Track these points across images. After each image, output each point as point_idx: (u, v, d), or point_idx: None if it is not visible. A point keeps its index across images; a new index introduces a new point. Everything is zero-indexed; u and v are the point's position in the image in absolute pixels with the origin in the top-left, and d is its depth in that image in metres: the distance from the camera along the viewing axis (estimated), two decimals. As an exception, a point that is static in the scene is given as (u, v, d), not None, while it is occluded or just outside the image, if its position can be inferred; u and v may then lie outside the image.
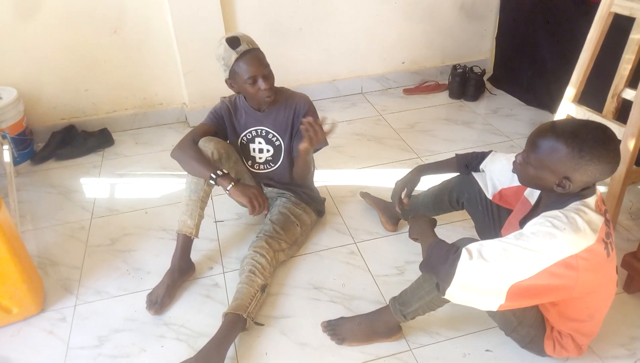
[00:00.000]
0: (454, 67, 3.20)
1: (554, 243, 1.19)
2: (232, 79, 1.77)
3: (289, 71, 3.12)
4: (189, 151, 1.76)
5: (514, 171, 1.38)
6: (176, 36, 2.73)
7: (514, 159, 1.57)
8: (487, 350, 1.61)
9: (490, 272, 1.20)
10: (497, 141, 2.74)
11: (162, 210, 2.33)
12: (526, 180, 1.34)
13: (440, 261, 1.27)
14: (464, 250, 1.23)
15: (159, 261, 2.00)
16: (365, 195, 2.23)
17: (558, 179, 1.24)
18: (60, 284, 1.94)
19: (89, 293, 1.90)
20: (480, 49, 3.44)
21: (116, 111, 2.98)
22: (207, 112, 2.90)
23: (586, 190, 1.28)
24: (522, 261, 1.20)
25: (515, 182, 1.51)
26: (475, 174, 1.73)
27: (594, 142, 1.19)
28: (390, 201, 2.11)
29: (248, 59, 1.71)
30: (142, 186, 2.52)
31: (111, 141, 2.89)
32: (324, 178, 2.45)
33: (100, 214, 2.32)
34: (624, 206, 2.15)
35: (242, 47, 1.70)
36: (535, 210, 1.41)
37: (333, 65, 3.23)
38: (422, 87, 3.33)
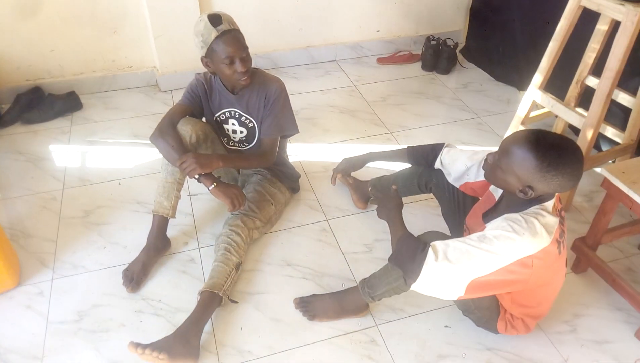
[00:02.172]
0: (428, 38, 3.22)
1: (513, 246, 1.31)
2: (208, 57, 1.76)
3: (263, 37, 3.07)
4: (169, 139, 1.76)
5: (483, 168, 1.46)
6: (146, -1, 2.65)
7: (470, 155, 1.67)
8: (446, 326, 1.76)
9: (453, 272, 1.31)
10: (465, 118, 2.82)
11: (135, 182, 2.33)
12: (492, 180, 1.43)
13: (408, 259, 1.37)
14: (430, 251, 1.33)
15: (134, 236, 2.04)
16: (341, 170, 2.29)
17: (522, 186, 1.33)
18: (36, 257, 1.96)
19: (65, 267, 1.93)
20: (455, 20, 3.46)
21: (84, 73, 2.90)
22: (178, 77, 2.93)
23: (547, 195, 1.38)
24: (483, 262, 1.31)
25: (480, 177, 1.60)
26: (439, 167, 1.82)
27: (563, 160, 1.28)
28: (363, 180, 2.20)
29: (228, 39, 1.70)
30: (114, 155, 2.50)
31: (79, 105, 2.82)
32: (298, 152, 2.49)
33: (72, 184, 2.31)
34: (581, 190, 2.29)
35: (223, 27, 1.69)
36: (498, 205, 1.51)
37: (308, 32, 3.19)
38: (396, 57, 3.35)
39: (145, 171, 2.39)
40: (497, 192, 1.57)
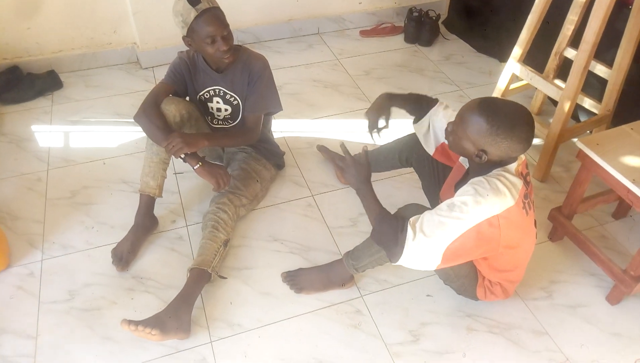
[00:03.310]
0: (410, 10, 3.21)
1: (480, 208, 1.37)
2: (190, 37, 1.76)
3: (244, 10, 3.04)
4: (154, 119, 1.76)
5: (446, 137, 1.51)
6: (124, -28, 2.59)
7: (451, 114, 1.70)
8: (428, 295, 1.83)
9: (430, 244, 1.37)
10: (448, 91, 2.85)
11: (120, 161, 2.34)
12: (453, 147, 1.49)
13: (390, 240, 1.42)
14: (409, 229, 1.38)
15: (122, 215, 2.06)
16: (322, 148, 2.32)
17: (477, 150, 1.39)
18: (24, 239, 1.98)
19: (54, 247, 1.95)
20: (437, -10, 3.45)
21: (62, 50, 2.85)
22: (159, 54, 2.90)
23: (507, 159, 1.43)
24: (456, 229, 1.37)
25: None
26: (417, 130, 1.80)
27: (512, 124, 1.34)
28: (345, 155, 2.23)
29: (207, 18, 1.69)
30: (98, 135, 2.49)
31: (60, 84, 2.79)
32: (282, 128, 2.51)
33: (57, 165, 2.31)
34: (559, 160, 2.35)
35: (202, 5, 1.68)
36: (467, 175, 1.57)
37: (289, 4, 3.16)
38: (379, 30, 3.34)
39: (129, 150, 2.39)
40: (466, 163, 1.61)
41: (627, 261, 1.75)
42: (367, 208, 1.54)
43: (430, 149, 1.78)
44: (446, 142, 1.71)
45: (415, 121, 1.81)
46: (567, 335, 1.72)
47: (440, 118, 1.74)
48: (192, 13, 1.67)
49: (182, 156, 1.75)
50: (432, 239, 1.36)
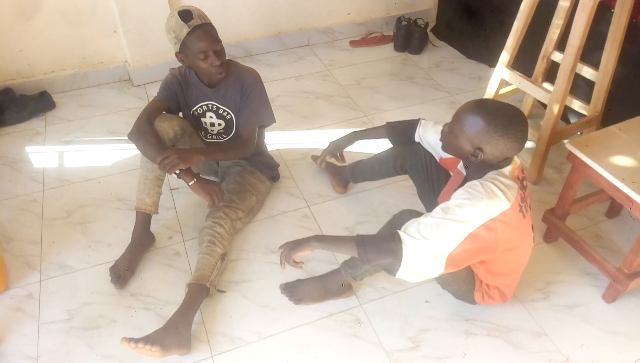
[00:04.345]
0: (399, 19, 3.25)
1: (475, 211, 1.39)
2: (182, 53, 1.78)
3: (235, 24, 3.07)
4: (148, 136, 1.77)
5: (441, 139, 1.54)
6: (113, -9, 2.62)
7: (440, 128, 1.74)
8: (426, 301, 1.84)
9: (430, 248, 1.38)
10: (439, 97, 2.88)
11: (115, 179, 2.35)
12: (448, 147, 1.51)
13: (384, 254, 1.41)
14: (402, 234, 1.39)
15: (118, 233, 2.07)
16: (316, 159, 2.34)
17: (473, 149, 1.42)
18: (22, 260, 1.98)
19: (52, 268, 1.95)
20: (424, -1, 3.49)
21: (54, 71, 2.87)
22: (151, 71, 2.92)
23: (502, 162, 1.46)
24: (453, 232, 1.38)
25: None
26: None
27: (508, 122, 1.39)
28: (339, 165, 2.25)
29: (200, 34, 1.71)
30: (92, 153, 2.50)
31: (52, 105, 2.80)
32: (276, 140, 2.53)
33: (52, 185, 2.32)
34: (551, 162, 2.37)
35: (194, 22, 1.70)
36: (465, 181, 1.58)
37: (278, 18, 3.19)
38: (368, 39, 3.37)
39: (124, 168, 2.40)
40: (464, 169, 1.63)
41: (622, 259, 1.76)
42: (339, 246, 1.54)
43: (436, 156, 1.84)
44: (443, 156, 1.75)
45: (411, 142, 1.90)
46: (565, 335, 1.74)
47: (429, 134, 1.81)
48: (185, 29, 1.70)
49: (177, 172, 1.76)
50: (429, 242, 1.37)
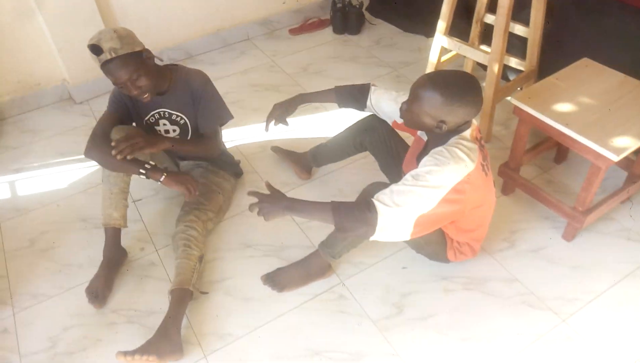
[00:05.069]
0: (333, 2, 3.29)
1: (444, 176, 1.46)
2: None
3: (171, 27, 3.02)
4: (106, 148, 1.73)
5: (402, 117, 1.59)
6: (40, 8, 2.51)
7: (394, 96, 1.80)
8: (403, 267, 1.91)
9: (402, 214, 1.44)
10: (384, 73, 2.95)
11: (74, 200, 2.29)
12: (411, 124, 1.57)
13: (359, 223, 1.45)
14: (376, 203, 1.44)
15: (87, 253, 2.03)
16: (277, 149, 2.36)
17: (436, 123, 1.48)
18: (-11, 297, 1.92)
19: (24, 299, 1.90)
20: (355, -21, 3.54)
21: (-11, 100, 2.74)
22: (92, 86, 2.84)
23: (463, 126, 1.53)
24: (425, 197, 1.44)
25: None
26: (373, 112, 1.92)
27: (463, 91, 1.45)
28: (301, 151, 2.28)
29: (110, 69, 1.66)
30: (45, 178, 2.42)
31: (-7, 134, 2.68)
32: (232, 137, 2.53)
33: (8, 216, 2.23)
34: (498, 119, 2.49)
35: (104, 56, 1.63)
36: (427, 146, 1.65)
37: (215, 15, 3.17)
38: (307, 26, 3.40)
39: (82, 188, 2.34)
40: (425, 135, 1.70)
41: (575, 199, 1.89)
42: (313, 213, 1.51)
43: (390, 121, 1.89)
44: (397, 121, 1.81)
45: (361, 109, 1.93)
46: (534, 277, 1.85)
47: (383, 102, 1.85)
48: (97, 62, 1.66)
49: (143, 171, 1.74)
50: (403, 208, 1.43)
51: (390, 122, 1.89)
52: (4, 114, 2.79)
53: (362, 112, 1.98)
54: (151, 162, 1.78)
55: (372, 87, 1.90)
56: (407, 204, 1.43)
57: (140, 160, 1.77)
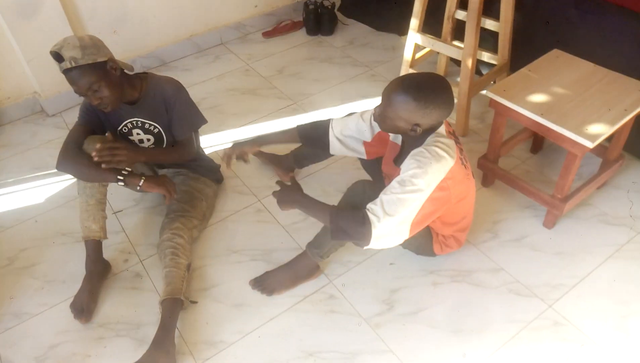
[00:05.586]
0: (305, 4, 3.30)
1: (428, 177, 1.48)
2: None
3: (143, 35, 2.98)
4: (80, 159, 1.71)
5: (375, 120, 1.60)
6: (6, 20, 2.45)
7: (357, 115, 1.78)
8: (391, 264, 1.93)
9: (396, 222, 1.47)
10: (360, 72, 2.97)
11: (52, 214, 2.24)
12: (386, 128, 1.57)
13: (352, 231, 1.49)
14: (370, 216, 1.46)
15: (69, 268, 1.98)
16: (258, 153, 2.35)
17: (410, 126, 1.49)
18: (-30, 320, 1.86)
19: (6, 319, 1.84)
20: (326, -20, 3.55)
21: (-43, 116, 2.66)
22: (64, 97, 2.78)
23: (436, 125, 1.55)
24: (414, 202, 1.47)
25: (376, 130, 1.75)
26: (338, 152, 1.87)
27: (435, 93, 1.46)
28: (282, 154, 2.28)
29: (70, 78, 1.64)
30: (20, 194, 2.36)
31: (-37, 152, 2.60)
32: (211, 142, 2.51)
33: (-16, 235, 2.17)
34: (474, 113, 2.53)
35: (64, 65, 1.61)
36: (403, 148, 1.67)
37: (187, 21, 3.14)
38: (280, 28, 3.40)
39: (59, 202, 2.29)
40: (398, 139, 1.72)
41: (553, 188, 1.94)
42: (316, 214, 1.61)
43: (363, 155, 1.85)
44: (367, 140, 1.80)
45: (326, 151, 1.89)
46: (519, 266, 1.89)
47: (348, 126, 1.80)
48: (60, 69, 1.64)
49: (121, 178, 1.72)
50: (396, 217, 1.46)
51: (361, 147, 1.82)
52: (-26, 131, 2.71)
53: (326, 156, 2.02)
54: (127, 168, 1.75)
55: (332, 120, 1.85)
56: (398, 213, 1.46)
57: (117, 168, 1.74)
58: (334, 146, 1.85)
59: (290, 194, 1.65)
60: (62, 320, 1.82)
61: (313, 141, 1.90)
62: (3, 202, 2.33)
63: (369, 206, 1.49)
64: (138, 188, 1.76)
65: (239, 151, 1.97)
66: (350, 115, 1.84)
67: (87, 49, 1.62)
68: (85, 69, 1.62)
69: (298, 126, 1.92)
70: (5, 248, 2.10)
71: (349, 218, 1.51)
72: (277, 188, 1.69)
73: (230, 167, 1.99)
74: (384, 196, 1.49)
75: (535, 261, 1.91)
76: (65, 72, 1.63)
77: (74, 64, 1.60)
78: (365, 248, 1.53)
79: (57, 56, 1.60)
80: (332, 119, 1.86)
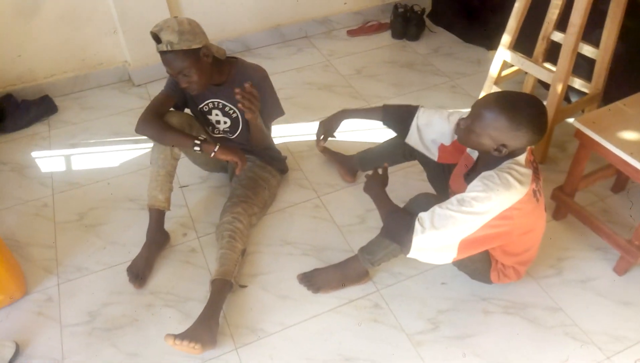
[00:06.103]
0: (395, 6, 3.26)
1: (491, 203, 1.41)
2: None
3: (232, 20, 3.06)
4: (159, 123, 1.80)
5: (456, 133, 1.54)
6: (110, -7, 2.61)
7: (446, 114, 1.72)
8: (442, 283, 1.87)
9: (441, 237, 1.42)
10: (440, 82, 2.89)
11: (124, 179, 2.35)
12: (467, 143, 1.51)
13: (398, 234, 1.48)
14: (416, 223, 1.43)
15: (132, 233, 2.08)
16: (324, 149, 2.35)
17: (496, 145, 1.43)
18: (38, 265, 1.99)
19: (69, 271, 1.97)
20: (419, -15, 3.49)
21: (55, 75, 2.86)
22: (151, 70, 2.92)
23: (519, 150, 1.47)
24: (467, 224, 1.41)
25: (453, 139, 1.70)
26: (412, 143, 1.84)
27: (530, 116, 1.38)
28: (348, 154, 2.27)
29: (165, 60, 1.72)
30: (98, 155, 2.51)
31: (55, 108, 2.79)
32: (281, 133, 2.54)
33: (61, 189, 2.32)
34: (555, 141, 2.40)
35: (161, 47, 1.67)
36: (476, 165, 1.61)
37: (275, 10, 3.19)
38: (366, 28, 3.38)
39: (132, 168, 2.41)
40: (474, 153, 1.65)
41: (631, 232, 1.80)
42: (380, 208, 1.62)
43: (434, 156, 1.81)
44: (445, 143, 1.75)
45: (402, 138, 1.85)
46: (580, 309, 1.77)
47: (432, 122, 1.77)
48: (157, 49, 1.70)
49: (198, 143, 1.79)
50: (441, 232, 1.41)
51: (435, 148, 1.78)
52: (66, 90, 2.90)
53: (393, 162, 2.03)
54: (203, 136, 1.82)
55: (421, 108, 1.82)
56: (444, 228, 1.41)
57: (193, 135, 1.81)
58: (412, 135, 1.81)
59: (375, 183, 1.69)
60: (117, 281, 1.91)
61: (395, 122, 1.86)
62: (81, 161, 2.48)
63: (420, 214, 1.45)
64: (213, 153, 1.80)
65: (325, 128, 1.98)
66: (439, 111, 1.79)
67: (184, 35, 1.67)
68: (179, 54, 1.69)
69: (385, 105, 1.90)
70: (77, 204, 2.24)
71: (398, 220, 1.49)
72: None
73: (320, 146, 2.03)
74: (437, 209, 1.44)
75: (599, 306, 1.78)
76: (161, 53, 1.70)
77: (169, 48, 1.66)
78: (408, 256, 1.50)
79: (156, 37, 1.67)
80: (421, 107, 1.82)
